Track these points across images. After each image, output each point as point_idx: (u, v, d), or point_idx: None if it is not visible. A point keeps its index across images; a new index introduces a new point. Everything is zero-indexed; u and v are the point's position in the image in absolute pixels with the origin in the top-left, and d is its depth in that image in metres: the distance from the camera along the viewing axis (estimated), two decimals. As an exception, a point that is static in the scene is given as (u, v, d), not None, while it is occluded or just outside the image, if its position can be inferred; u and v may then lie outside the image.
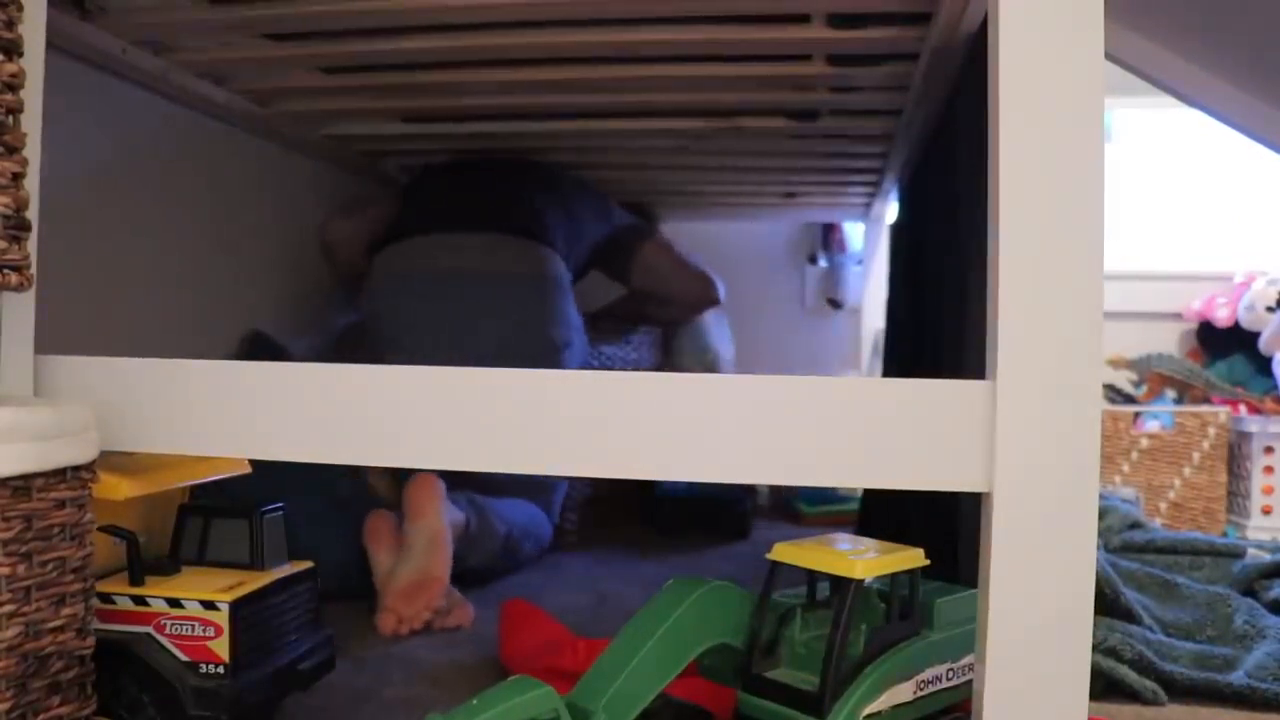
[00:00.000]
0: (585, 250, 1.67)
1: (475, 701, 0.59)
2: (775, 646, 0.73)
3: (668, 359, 1.93)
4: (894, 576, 0.71)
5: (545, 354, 1.39)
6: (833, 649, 0.66)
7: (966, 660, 0.74)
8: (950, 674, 0.73)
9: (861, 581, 0.68)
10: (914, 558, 0.71)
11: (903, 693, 0.69)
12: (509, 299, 1.40)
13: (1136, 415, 1.99)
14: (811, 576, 0.75)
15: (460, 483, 1.27)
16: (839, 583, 0.69)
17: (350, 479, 1.26)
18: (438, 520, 1.13)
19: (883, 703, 0.68)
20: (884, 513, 1.24)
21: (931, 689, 0.72)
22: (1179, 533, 1.55)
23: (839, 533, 0.77)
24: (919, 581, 0.72)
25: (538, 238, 1.48)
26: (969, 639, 0.73)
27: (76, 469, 0.63)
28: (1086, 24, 0.58)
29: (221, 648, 0.71)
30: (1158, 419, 1.98)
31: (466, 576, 1.24)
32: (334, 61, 1.28)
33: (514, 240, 1.45)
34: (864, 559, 0.68)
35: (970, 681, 0.74)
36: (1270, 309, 2.11)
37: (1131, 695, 0.94)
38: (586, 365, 1.55)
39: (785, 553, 0.72)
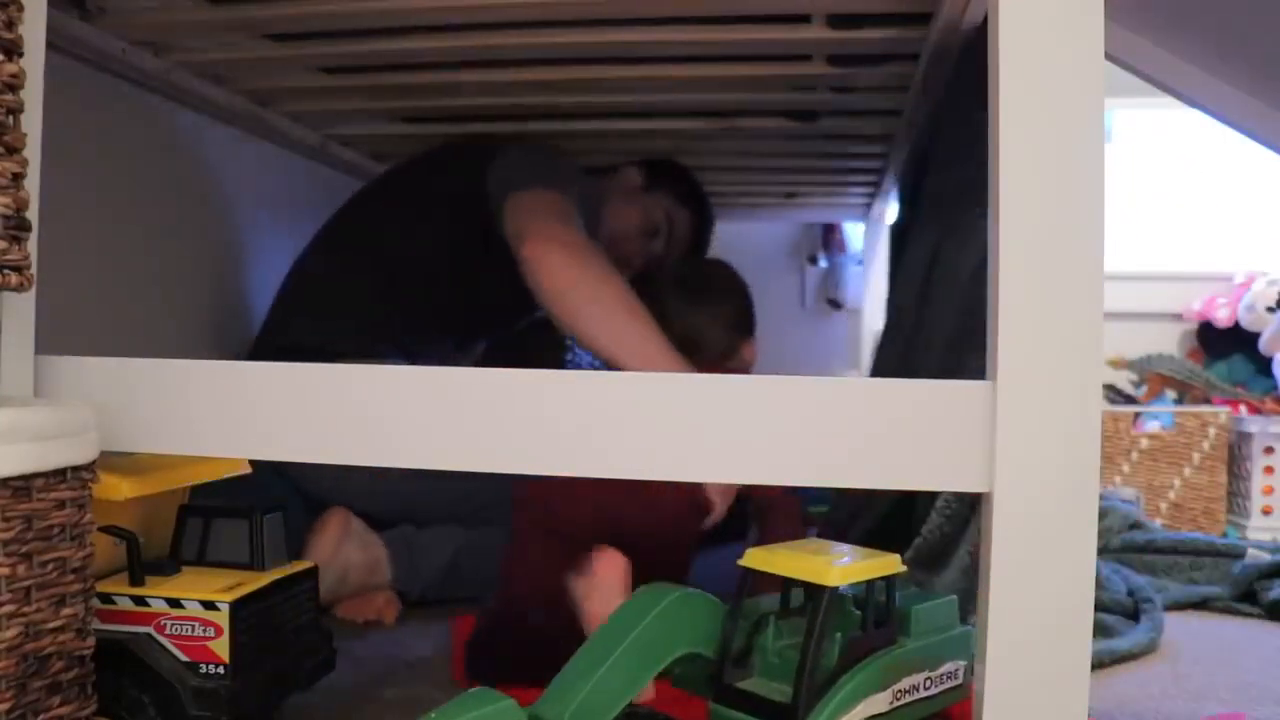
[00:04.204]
0: None
1: (434, 715, 0.57)
2: (748, 655, 0.70)
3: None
4: (869, 583, 0.69)
5: None
6: (806, 658, 0.64)
7: (945, 669, 0.72)
8: (928, 683, 0.71)
9: (835, 589, 0.65)
10: (889, 564, 0.69)
11: (879, 703, 0.67)
12: None
13: (1137, 416, 1.99)
14: (786, 583, 0.73)
15: (441, 518, 1.27)
16: (812, 590, 0.67)
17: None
18: (324, 548, 1.15)
19: (858, 713, 0.66)
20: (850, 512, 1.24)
21: (909, 699, 0.70)
22: (1179, 533, 1.55)
23: (815, 537, 0.75)
24: (895, 588, 0.71)
25: None
26: (947, 647, 0.73)
27: (77, 469, 0.63)
28: (1087, 24, 0.58)
29: (221, 648, 0.71)
30: (1158, 419, 1.98)
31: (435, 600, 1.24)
32: (334, 62, 1.28)
33: None
34: (837, 566, 0.66)
35: (949, 690, 0.73)
36: (1270, 309, 2.11)
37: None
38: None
39: (757, 558, 0.70)
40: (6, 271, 0.64)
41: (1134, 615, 1.18)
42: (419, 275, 1.39)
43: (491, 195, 1.35)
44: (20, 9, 0.65)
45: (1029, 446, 0.58)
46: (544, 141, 1.53)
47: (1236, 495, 1.97)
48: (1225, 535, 1.84)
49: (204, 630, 0.71)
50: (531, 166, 1.37)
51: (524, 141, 1.49)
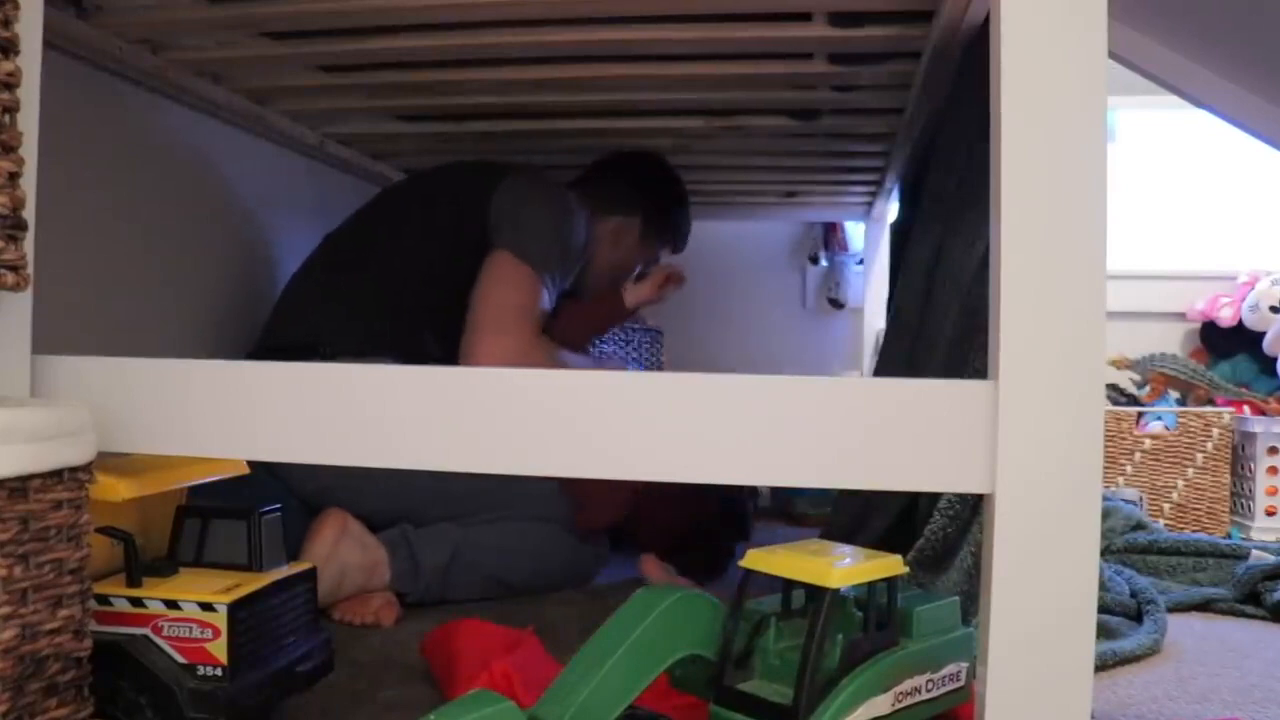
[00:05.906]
0: None
1: (433, 716, 0.57)
2: (748, 657, 0.70)
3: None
4: (871, 585, 0.68)
5: None
6: (807, 660, 0.64)
7: (946, 670, 0.72)
8: (930, 685, 0.71)
9: (836, 591, 0.65)
10: (891, 565, 0.69)
11: (880, 705, 0.67)
12: None
13: (1139, 416, 1.98)
14: (787, 584, 0.73)
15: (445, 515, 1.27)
16: (814, 592, 0.66)
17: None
18: (320, 548, 1.15)
19: (859, 715, 0.65)
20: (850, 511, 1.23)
21: (910, 700, 0.69)
22: (1182, 534, 1.55)
23: (816, 538, 0.75)
24: (897, 590, 0.70)
25: None
26: (949, 648, 0.72)
27: (74, 470, 0.63)
28: (1089, 23, 0.58)
29: (219, 650, 0.70)
30: (1161, 420, 1.98)
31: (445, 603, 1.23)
32: (332, 60, 1.27)
33: None
34: (838, 567, 0.66)
35: (951, 692, 0.73)
36: (1275, 309, 2.11)
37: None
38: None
39: (758, 560, 0.69)
40: (3, 271, 0.64)
41: (1137, 617, 1.18)
42: (420, 288, 1.39)
43: (489, 228, 1.39)
44: (16, 7, 0.65)
45: (1031, 446, 0.58)
46: (542, 169, 1.56)
47: (1240, 496, 1.96)
48: (1229, 536, 1.84)
49: (201, 632, 0.70)
50: (525, 219, 1.40)
51: (526, 163, 1.52)
